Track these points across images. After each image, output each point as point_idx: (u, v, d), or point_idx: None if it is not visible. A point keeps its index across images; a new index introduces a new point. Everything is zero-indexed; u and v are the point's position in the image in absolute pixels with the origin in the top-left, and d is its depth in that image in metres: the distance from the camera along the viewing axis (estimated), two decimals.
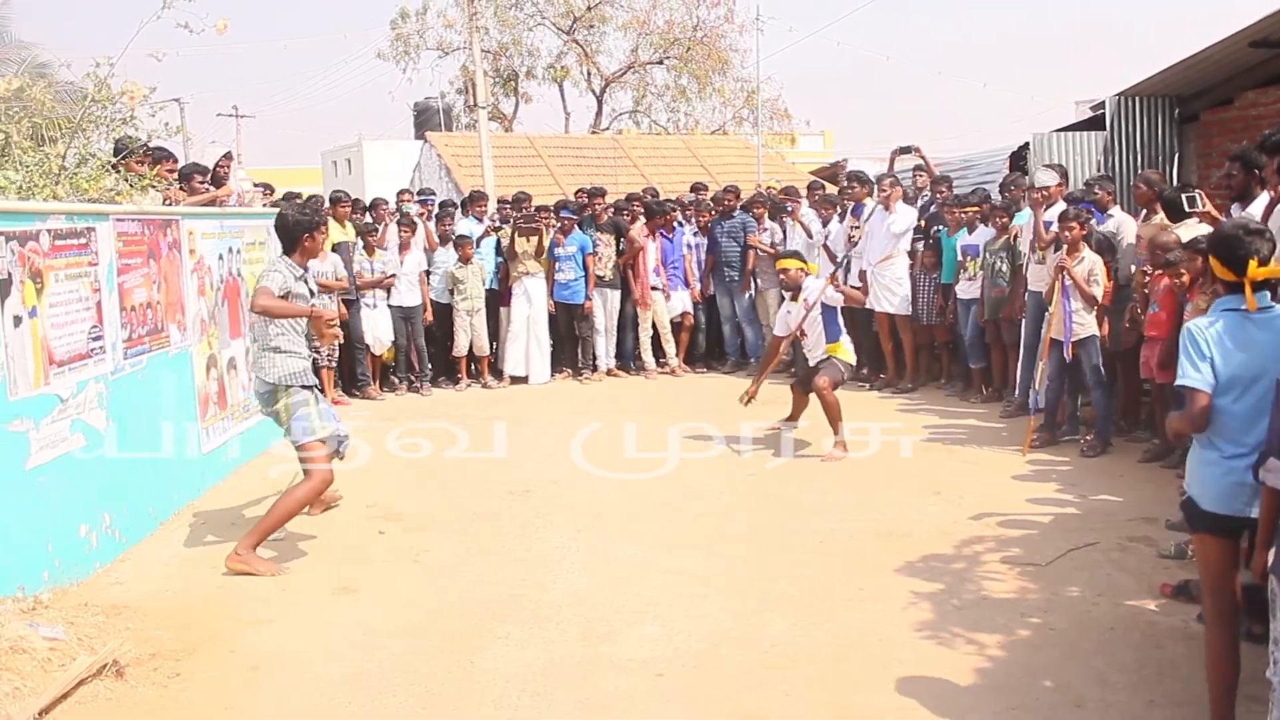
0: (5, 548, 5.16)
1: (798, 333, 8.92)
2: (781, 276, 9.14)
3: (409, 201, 13.07)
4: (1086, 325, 8.43)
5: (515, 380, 12.48)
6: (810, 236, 12.21)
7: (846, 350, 8.90)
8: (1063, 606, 5.29)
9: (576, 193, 14.06)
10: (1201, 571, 4.04)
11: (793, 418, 9.32)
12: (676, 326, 13.13)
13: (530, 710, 4.37)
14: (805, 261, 9.31)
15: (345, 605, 5.64)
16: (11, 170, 6.33)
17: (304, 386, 6.34)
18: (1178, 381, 3.91)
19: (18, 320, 5.33)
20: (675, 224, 13.10)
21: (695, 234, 13.14)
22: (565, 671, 4.73)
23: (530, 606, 5.50)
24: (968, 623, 5.10)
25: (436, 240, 12.34)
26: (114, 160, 6.99)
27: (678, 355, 13.12)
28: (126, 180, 6.93)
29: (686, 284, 13.02)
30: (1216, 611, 3.91)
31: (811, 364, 8.94)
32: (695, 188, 14.39)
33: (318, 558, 6.41)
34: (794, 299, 8.92)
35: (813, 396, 8.77)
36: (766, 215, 12.91)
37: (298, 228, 6.32)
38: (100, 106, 6.69)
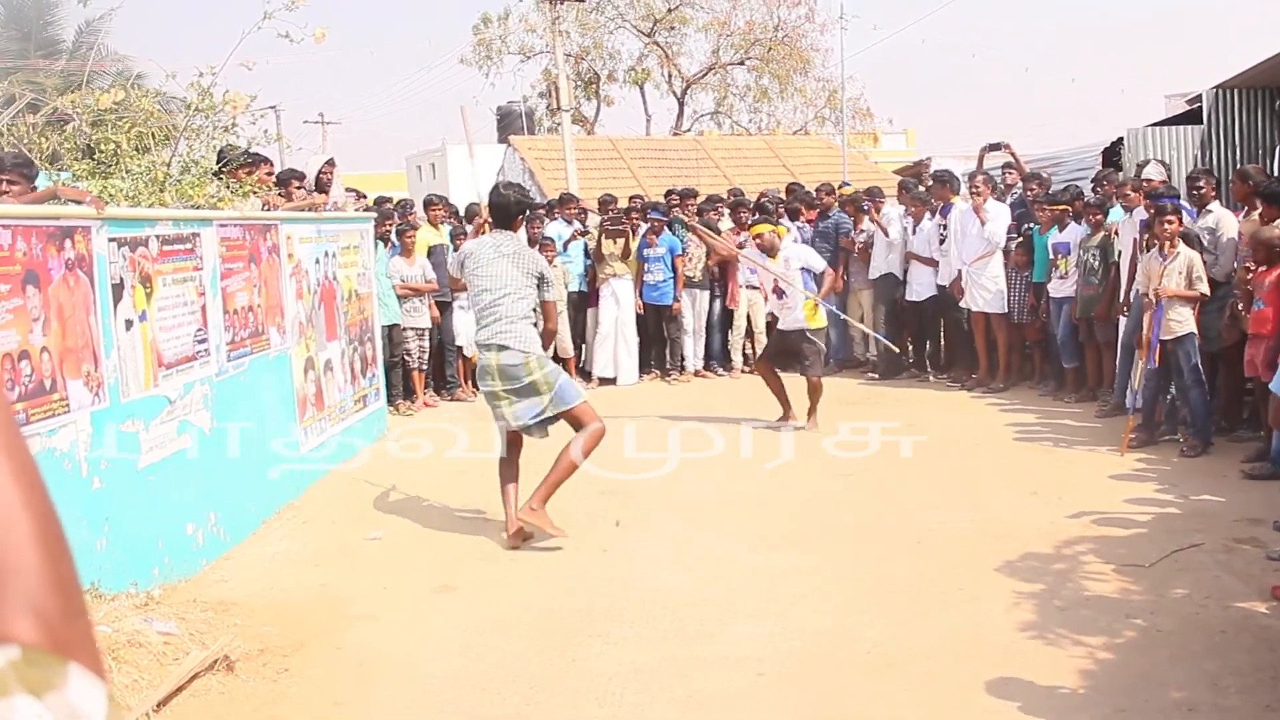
0: (119, 545, 5.31)
1: (774, 293, 9.63)
2: (757, 241, 9.73)
3: None
4: (1184, 323, 8.26)
5: (603, 382, 12.52)
6: (887, 235, 12.10)
7: (820, 316, 9.51)
8: (1169, 608, 5.20)
9: (666, 194, 14.07)
10: None
11: (785, 409, 9.75)
12: (769, 326, 13.10)
13: (633, 708, 4.39)
14: (776, 226, 10.16)
15: (446, 603, 5.72)
16: (118, 179, 6.51)
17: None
18: (1272, 384, 3.86)
19: (129, 324, 5.49)
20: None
21: (800, 227, 13.04)
22: (665, 670, 4.74)
23: (628, 604, 5.53)
24: (1071, 624, 5.03)
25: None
26: (217, 168, 7.16)
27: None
28: (228, 186, 7.09)
29: None
30: None
31: (785, 328, 9.59)
32: (790, 189, 14.27)
33: (417, 557, 6.50)
34: (772, 258, 9.57)
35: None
36: (865, 216, 12.76)
37: (517, 207, 6.68)
38: (204, 115, 6.86)
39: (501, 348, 6.43)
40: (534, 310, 6.61)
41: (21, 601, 0.81)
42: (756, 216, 10.96)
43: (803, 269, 9.42)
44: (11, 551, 0.82)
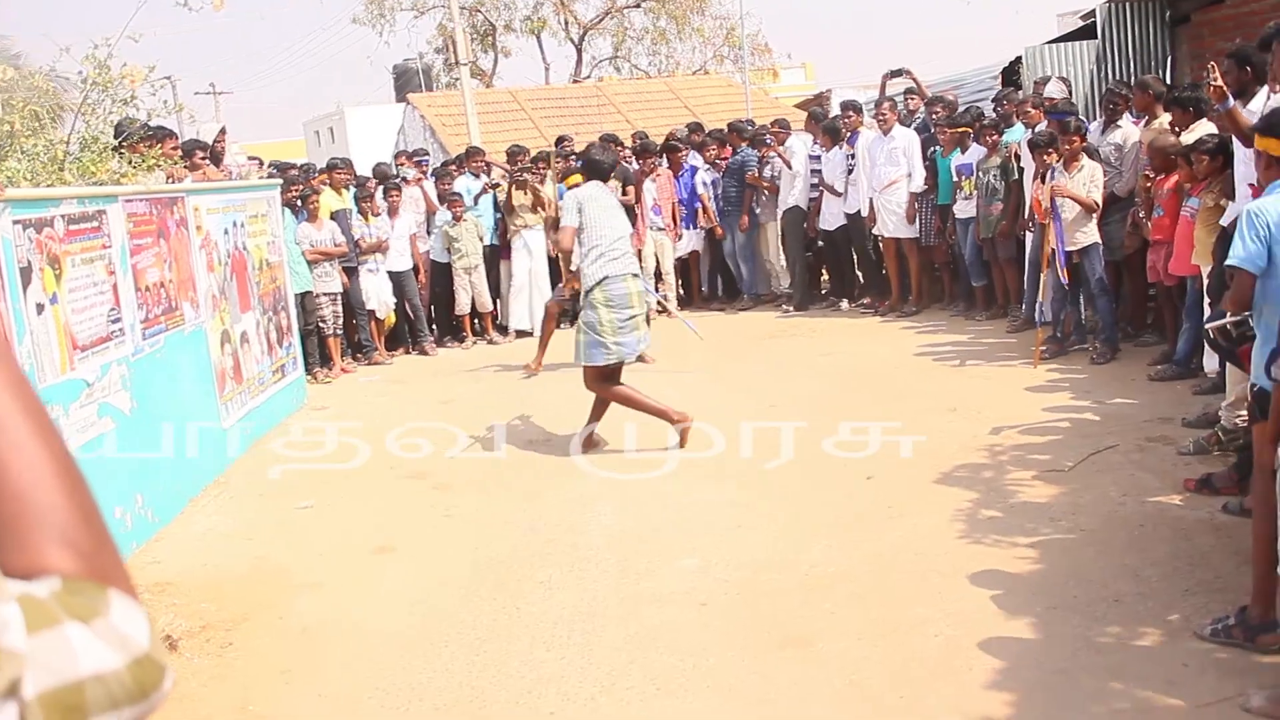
0: None
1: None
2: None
3: (406, 165, 13.02)
4: (1088, 233, 8.47)
5: (521, 334, 12.46)
6: (790, 168, 12.20)
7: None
8: (1090, 508, 5.39)
9: (557, 141, 14.10)
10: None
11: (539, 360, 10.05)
12: (686, 265, 13.20)
13: (580, 648, 4.46)
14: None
15: (385, 565, 5.72)
16: (14, 160, 6.34)
17: None
18: (1227, 261, 3.95)
19: (40, 308, 5.37)
20: (683, 162, 13.10)
21: (708, 170, 13.08)
22: (609, 609, 4.82)
23: (567, 550, 5.59)
24: (1000, 530, 5.20)
25: (435, 202, 12.34)
26: (118, 143, 6.99)
27: (680, 293, 13.26)
28: (130, 161, 6.94)
29: (693, 224, 13.08)
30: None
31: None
32: (693, 129, 14.30)
33: (351, 522, 6.48)
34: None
35: None
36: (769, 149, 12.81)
37: (610, 166, 7.61)
38: (100, 89, 6.68)
39: (635, 275, 7.23)
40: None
41: (55, 535, 0.84)
42: (571, 165, 10.84)
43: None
44: (37, 489, 0.85)
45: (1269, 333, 3.81)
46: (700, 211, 12.97)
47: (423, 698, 4.19)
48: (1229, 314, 4.00)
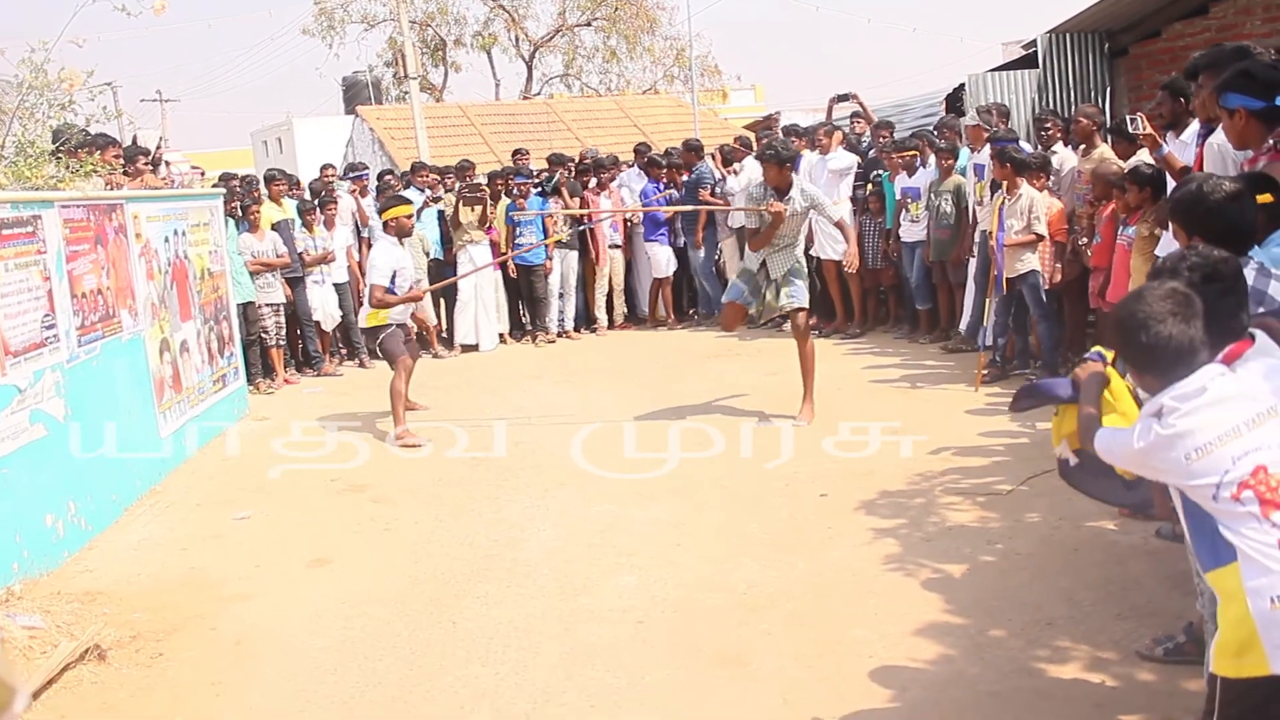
0: None
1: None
2: (392, 224, 8.70)
3: (332, 177, 12.90)
4: (1026, 260, 8.56)
5: (466, 348, 12.45)
6: (729, 177, 12.33)
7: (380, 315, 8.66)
8: (1025, 532, 5.44)
9: (514, 154, 14.17)
10: None
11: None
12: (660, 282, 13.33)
13: (516, 664, 4.43)
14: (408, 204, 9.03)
15: (321, 577, 5.66)
16: None
17: None
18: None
19: None
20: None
21: (659, 186, 13.17)
22: (546, 625, 4.79)
23: (506, 565, 5.56)
24: (936, 553, 5.23)
25: (369, 215, 12.23)
26: (55, 148, 6.88)
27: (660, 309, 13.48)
28: (68, 167, 6.84)
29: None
30: None
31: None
32: (638, 149, 14.40)
33: (287, 534, 6.41)
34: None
35: None
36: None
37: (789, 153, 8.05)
38: (38, 93, 6.58)
39: None
40: None
41: None
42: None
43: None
44: None
45: None
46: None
47: (354, 712, 4.16)
48: None
